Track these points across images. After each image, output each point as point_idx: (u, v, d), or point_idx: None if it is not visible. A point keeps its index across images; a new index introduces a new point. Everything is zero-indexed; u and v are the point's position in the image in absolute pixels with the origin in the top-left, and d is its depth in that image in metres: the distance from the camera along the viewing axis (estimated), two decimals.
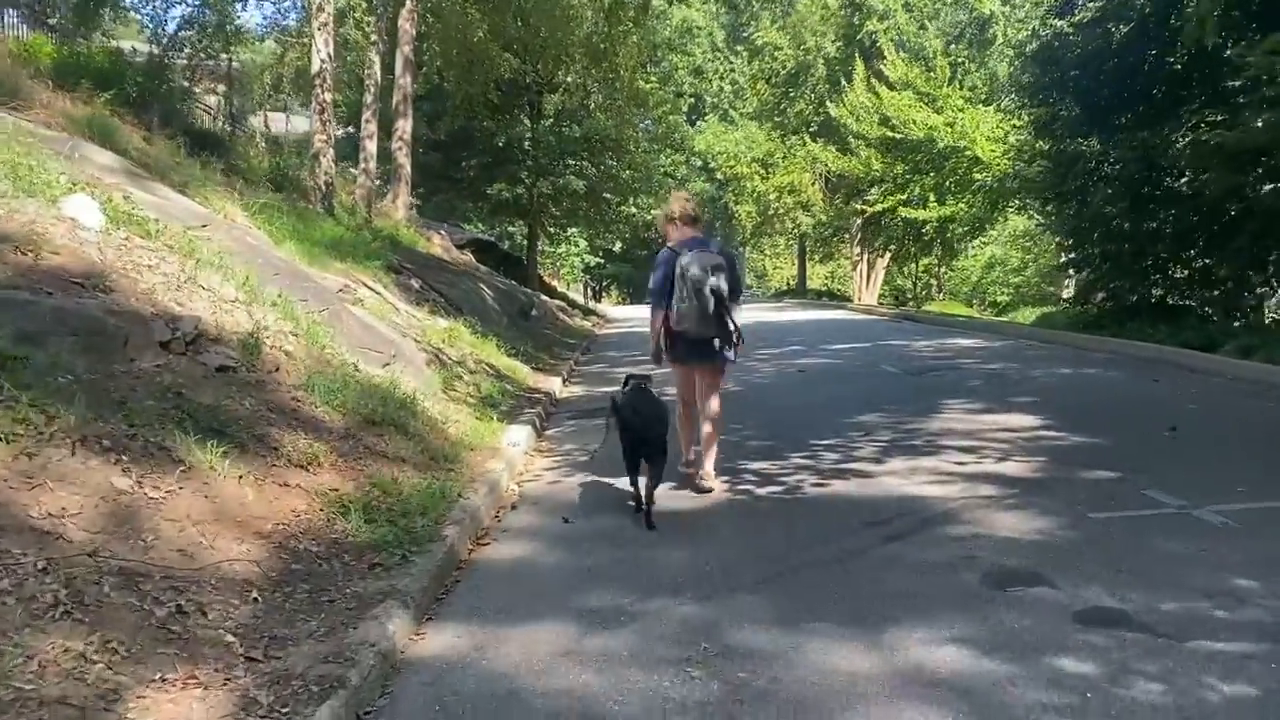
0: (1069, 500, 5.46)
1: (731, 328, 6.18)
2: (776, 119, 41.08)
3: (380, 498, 5.46)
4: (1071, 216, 15.67)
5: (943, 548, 4.73)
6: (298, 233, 11.95)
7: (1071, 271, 30.94)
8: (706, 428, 6.32)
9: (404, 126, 21.68)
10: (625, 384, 6.27)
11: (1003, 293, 55.35)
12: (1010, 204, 27.16)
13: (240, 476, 4.93)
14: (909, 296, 45.97)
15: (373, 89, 19.68)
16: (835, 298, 49.71)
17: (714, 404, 6.38)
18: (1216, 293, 14.24)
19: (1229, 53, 11.95)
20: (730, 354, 6.38)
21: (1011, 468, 6.35)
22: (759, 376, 12.30)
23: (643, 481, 5.63)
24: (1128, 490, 5.63)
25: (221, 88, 20.66)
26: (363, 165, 19.77)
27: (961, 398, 9.47)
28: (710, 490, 6.16)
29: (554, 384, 12.54)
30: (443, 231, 24.25)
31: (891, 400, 9.51)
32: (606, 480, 6.79)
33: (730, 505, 5.87)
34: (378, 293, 12.08)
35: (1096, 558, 4.46)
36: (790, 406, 9.72)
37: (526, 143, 28.34)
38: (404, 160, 21.72)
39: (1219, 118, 12.45)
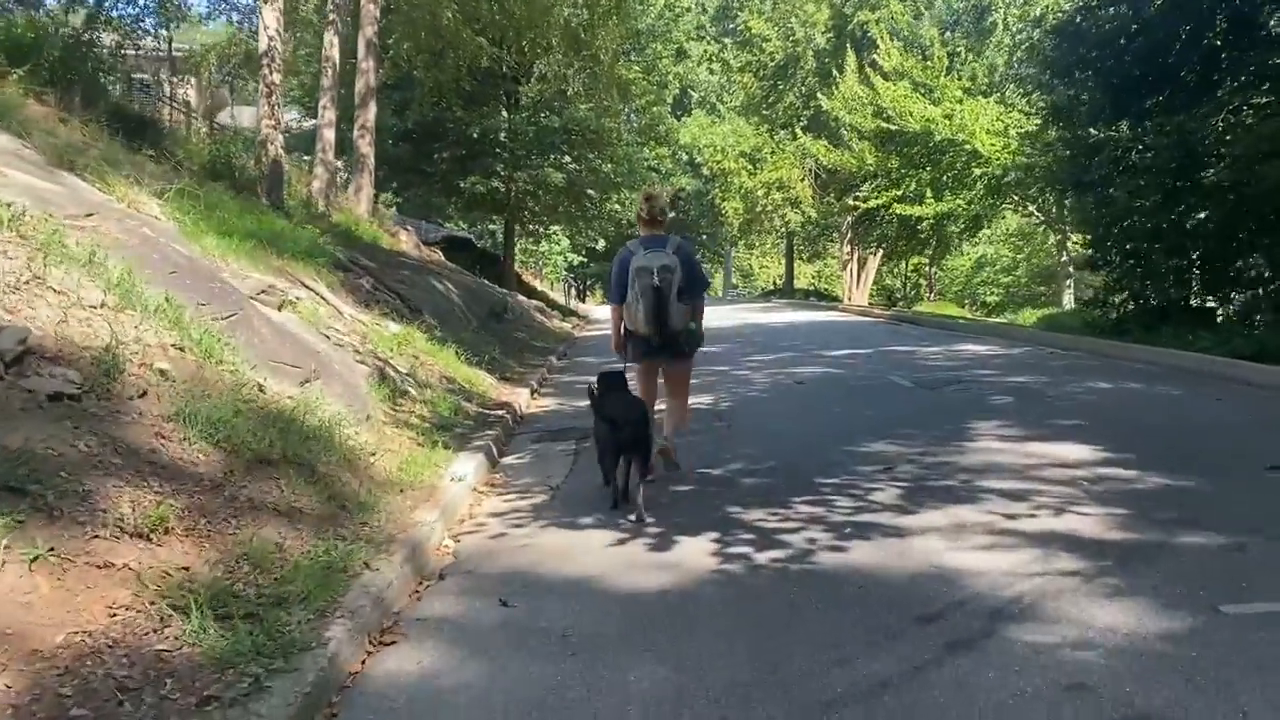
0: (1181, 579, 4.04)
1: (680, 327, 6.17)
2: (764, 113, 39.71)
3: (248, 578, 4.00)
4: (1091, 211, 14.27)
5: (1031, 667, 3.30)
6: (225, 225, 10.46)
7: (1073, 270, 29.71)
8: (674, 416, 6.62)
9: (367, 114, 20.17)
10: (598, 381, 6.23)
11: (992, 293, 54.41)
12: (1009, 200, 25.86)
13: (33, 559, 3.48)
14: (898, 297, 44.82)
15: (331, 72, 18.15)
16: (823, 297, 48.44)
17: (680, 402, 6.65)
18: (1254, 294, 12.83)
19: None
20: (685, 350, 6.42)
21: (1085, 525, 4.93)
22: (752, 389, 10.90)
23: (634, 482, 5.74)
24: (1256, 564, 4.21)
25: (156, 68, 19.11)
26: (320, 155, 18.27)
27: (993, 419, 8.04)
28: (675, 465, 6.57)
29: (520, 397, 11.10)
30: (410, 228, 22.77)
31: (909, 422, 8.10)
32: (567, 531, 5.38)
33: (723, 582, 4.41)
34: (318, 294, 10.61)
35: (1268, 692, 3.04)
36: (790, 429, 8.29)
37: (503, 134, 26.82)
38: (367, 150, 20.18)
39: (1264, 100, 11.09)
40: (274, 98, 15.31)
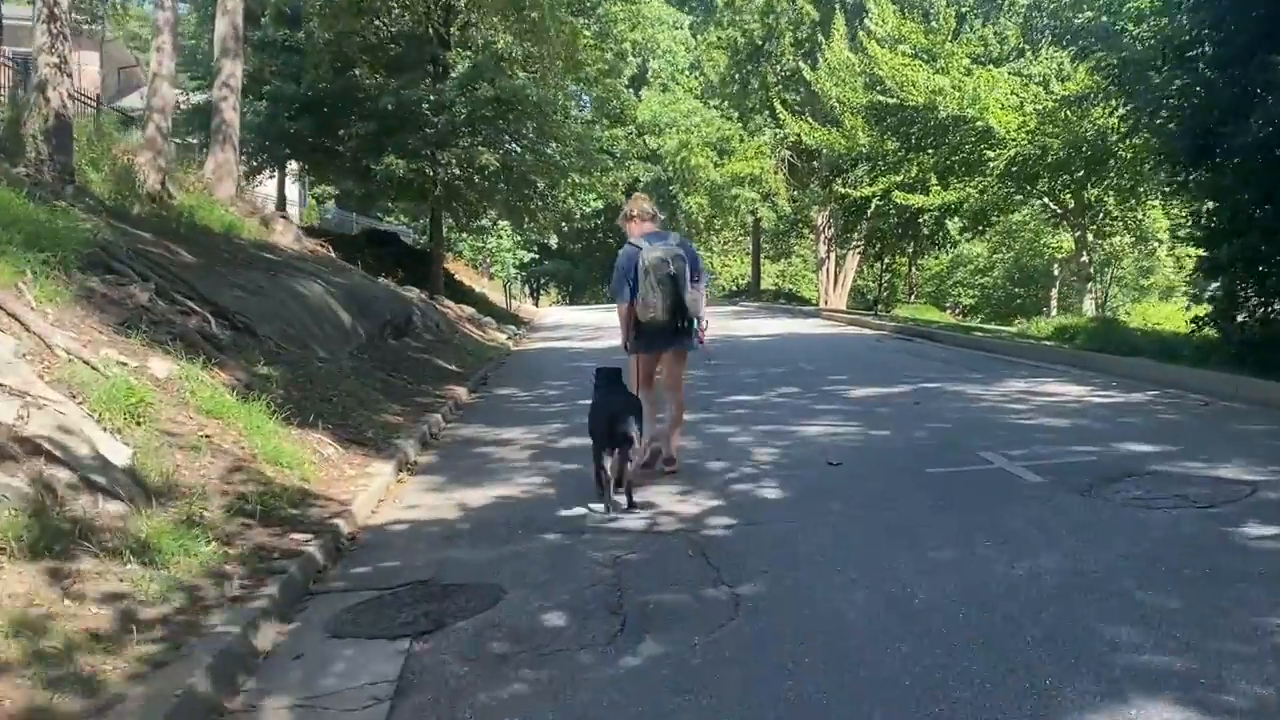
0: None
1: (695, 312, 6.37)
2: (733, 94, 35.38)
3: None
4: (1228, 191, 9.97)
5: None
6: None
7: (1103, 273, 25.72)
8: (672, 414, 6.56)
9: (232, 69, 15.60)
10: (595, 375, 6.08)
11: (968, 294, 50.77)
12: (1040, 185, 21.89)
13: None
14: (872, 298, 40.83)
15: (168, 3, 13.53)
16: (794, 299, 44.33)
17: (679, 394, 6.66)
18: None
19: None
20: (694, 340, 6.53)
21: None
22: (756, 478, 6.51)
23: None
24: None
25: None
26: (154, 118, 13.63)
27: None
28: (674, 470, 6.50)
29: (374, 482, 6.61)
30: (288, 215, 18.14)
31: (1125, 609, 3.77)
32: None
33: None
34: (12, 315, 6.11)
35: None
36: (878, 627, 3.87)
37: (425, 106, 22.18)
38: (231, 116, 15.58)
39: None
40: (58, 25, 10.70)
